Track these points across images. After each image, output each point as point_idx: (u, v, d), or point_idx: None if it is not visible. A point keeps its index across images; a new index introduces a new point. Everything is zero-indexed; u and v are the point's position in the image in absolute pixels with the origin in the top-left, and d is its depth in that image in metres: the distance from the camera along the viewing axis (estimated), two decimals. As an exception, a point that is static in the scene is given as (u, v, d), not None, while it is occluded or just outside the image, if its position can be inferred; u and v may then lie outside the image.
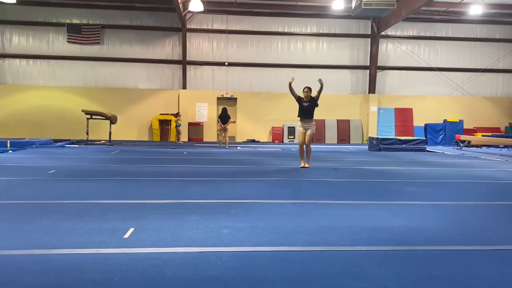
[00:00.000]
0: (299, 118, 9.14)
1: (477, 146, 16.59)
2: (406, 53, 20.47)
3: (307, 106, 8.92)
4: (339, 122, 20.26)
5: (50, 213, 4.32)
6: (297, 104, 9.20)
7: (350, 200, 5.39)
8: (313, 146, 10.75)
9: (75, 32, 19.22)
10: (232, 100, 20.06)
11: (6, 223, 3.91)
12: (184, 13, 18.33)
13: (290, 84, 9.07)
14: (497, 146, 16.65)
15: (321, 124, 19.79)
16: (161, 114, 19.46)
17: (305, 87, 9.04)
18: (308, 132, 8.95)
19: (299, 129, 9.19)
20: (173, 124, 18.67)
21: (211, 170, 8.33)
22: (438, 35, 20.55)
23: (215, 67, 19.98)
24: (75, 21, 19.38)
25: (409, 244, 3.48)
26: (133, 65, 19.70)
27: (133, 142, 17.53)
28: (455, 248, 3.42)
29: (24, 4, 18.82)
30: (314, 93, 8.98)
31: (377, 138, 15.36)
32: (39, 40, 19.39)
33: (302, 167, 8.94)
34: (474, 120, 20.68)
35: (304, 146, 9.06)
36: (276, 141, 19.70)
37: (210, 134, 19.94)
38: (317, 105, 9.01)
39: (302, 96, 8.99)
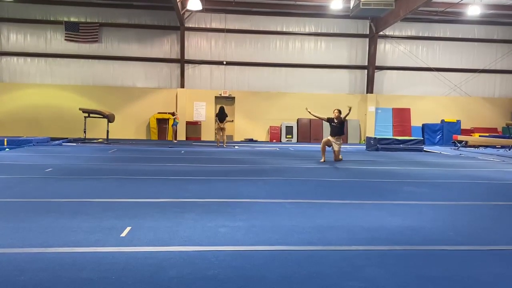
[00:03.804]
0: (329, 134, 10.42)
1: (474, 146, 16.63)
2: (404, 53, 20.48)
3: (336, 126, 10.22)
4: (337, 121, 20.24)
5: (47, 212, 4.31)
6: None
7: (348, 199, 5.39)
8: (312, 146, 10.92)
9: (73, 30, 19.15)
10: (230, 99, 20.05)
11: (2, 221, 3.89)
12: (183, 11, 18.29)
13: (310, 113, 10.43)
14: (494, 147, 16.69)
15: (319, 123, 19.78)
16: (159, 112, 19.42)
17: (335, 109, 10.26)
18: (336, 148, 10.22)
19: (327, 137, 10.48)
20: (171, 122, 18.63)
21: (209, 169, 8.32)
22: (436, 35, 20.56)
23: (213, 66, 19.96)
24: (73, 19, 19.31)
25: (407, 244, 3.49)
26: (131, 63, 19.65)
27: (130, 141, 17.48)
28: (452, 248, 3.43)
29: (22, 1, 18.74)
30: (342, 115, 10.16)
31: (375, 138, 15.36)
32: (36, 38, 19.32)
33: (322, 161, 10.07)
34: (471, 120, 20.71)
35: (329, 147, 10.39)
36: (274, 141, 19.69)
37: (208, 133, 19.92)
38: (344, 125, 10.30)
39: (332, 116, 10.26)
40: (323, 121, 10.53)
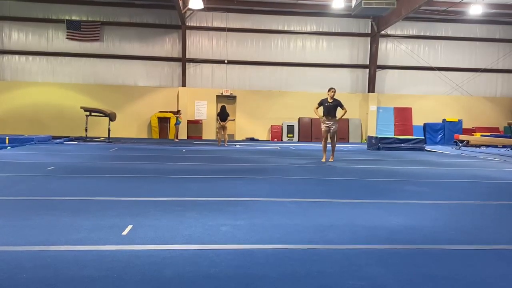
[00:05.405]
0: (324, 117, 9.97)
1: (475, 146, 16.60)
2: (406, 52, 20.46)
3: (331, 105, 9.81)
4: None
5: (49, 210, 4.31)
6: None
7: (349, 198, 5.39)
8: (313, 145, 10.85)
9: (75, 29, 19.18)
10: (232, 98, 20.05)
11: (5, 220, 3.90)
12: (184, 10, 18.30)
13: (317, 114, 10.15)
14: (495, 146, 16.67)
15: (320, 123, 19.76)
16: (160, 111, 19.44)
17: (331, 88, 9.86)
18: (332, 129, 9.90)
19: (323, 127, 10.05)
20: (172, 121, 18.63)
21: (210, 168, 8.33)
22: (438, 35, 20.54)
23: (214, 65, 19.96)
24: (74, 17, 19.34)
25: (408, 243, 3.48)
26: (133, 62, 19.67)
27: (132, 140, 17.51)
28: (454, 247, 3.43)
29: (24, 0, 18.77)
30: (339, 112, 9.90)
31: (376, 137, 15.35)
32: (38, 37, 19.35)
33: (324, 161, 9.82)
34: (473, 120, 20.69)
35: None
36: (275, 140, 19.70)
37: (209, 132, 19.93)
38: (341, 106, 9.85)
39: (326, 97, 9.86)
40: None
